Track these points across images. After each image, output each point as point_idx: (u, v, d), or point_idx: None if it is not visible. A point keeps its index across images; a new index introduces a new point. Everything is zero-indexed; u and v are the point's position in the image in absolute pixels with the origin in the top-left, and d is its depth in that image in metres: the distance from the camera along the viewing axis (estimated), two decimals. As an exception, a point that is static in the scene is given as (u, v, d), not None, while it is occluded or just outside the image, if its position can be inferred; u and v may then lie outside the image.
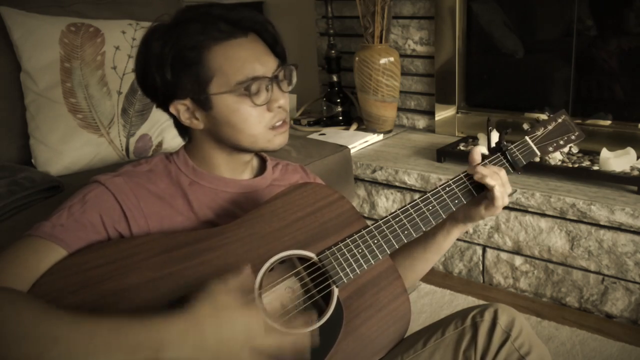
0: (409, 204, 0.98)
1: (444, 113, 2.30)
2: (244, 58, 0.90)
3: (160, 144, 1.69)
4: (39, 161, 1.57)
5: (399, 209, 0.97)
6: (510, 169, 1.06)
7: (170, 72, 0.89)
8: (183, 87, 0.90)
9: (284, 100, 0.94)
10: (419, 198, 0.99)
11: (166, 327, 0.72)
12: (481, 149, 1.07)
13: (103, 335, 0.71)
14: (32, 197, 1.36)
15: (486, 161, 1.05)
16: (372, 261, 0.93)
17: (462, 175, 1.02)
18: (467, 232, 1.90)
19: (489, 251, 1.88)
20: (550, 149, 1.10)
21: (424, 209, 0.98)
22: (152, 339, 0.71)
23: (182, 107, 0.92)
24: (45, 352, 0.69)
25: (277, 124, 0.94)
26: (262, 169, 1.05)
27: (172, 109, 0.93)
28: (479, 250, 1.91)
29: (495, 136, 1.08)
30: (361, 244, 0.93)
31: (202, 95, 0.90)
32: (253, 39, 0.92)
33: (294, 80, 0.97)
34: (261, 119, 0.92)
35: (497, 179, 0.99)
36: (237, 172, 0.99)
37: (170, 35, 0.89)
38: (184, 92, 0.91)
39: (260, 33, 0.94)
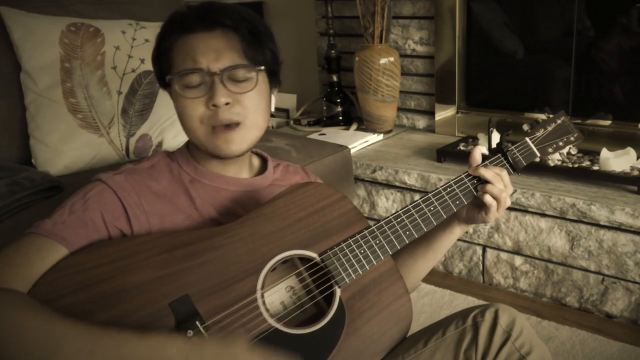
0: (410, 204, 0.98)
1: (444, 113, 2.30)
2: (190, 50, 0.90)
3: (160, 144, 1.69)
4: (39, 161, 1.57)
5: (400, 209, 0.97)
6: (510, 170, 1.06)
7: (156, 62, 0.97)
8: (163, 77, 0.95)
9: (224, 99, 0.88)
10: (420, 198, 0.99)
11: (168, 346, 0.72)
12: (481, 149, 1.07)
13: (104, 350, 0.71)
14: (32, 197, 1.35)
15: (487, 162, 1.05)
16: (374, 261, 0.93)
17: (462, 176, 1.03)
18: (467, 232, 1.90)
19: (489, 251, 1.88)
20: (550, 150, 1.11)
21: (425, 210, 0.98)
22: (152, 356, 0.72)
23: (169, 94, 0.97)
24: None
25: (216, 124, 0.90)
26: (262, 169, 1.05)
27: (169, 95, 0.98)
28: (479, 250, 1.91)
29: (496, 137, 1.08)
30: (363, 244, 0.93)
31: (167, 82, 0.94)
32: (216, 35, 0.91)
33: (252, 82, 0.92)
34: (196, 113, 0.90)
35: (499, 181, 0.99)
36: (228, 170, 0.98)
37: (159, 31, 0.96)
38: (165, 82, 0.96)
39: (232, 31, 0.92)
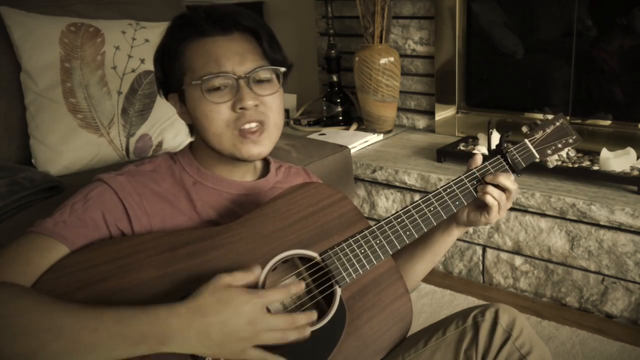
0: (410, 204, 0.98)
1: (444, 113, 2.30)
2: (212, 55, 0.90)
3: (160, 144, 1.69)
4: (39, 161, 1.57)
5: (400, 210, 0.97)
6: (510, 171, 1.06)
7: (160, 66, 0.95)
8: (171, 80, 0.95)
9: (252, 102, 0.90)
10: (420, 199, 1.00)
11: (170, 318, 0.73)
12: (481, 149, 1.07)
13: (107, 326, 0.72)
14: (32, 197, 1.35)
15: (486, 163, 1.05)
16: (375, 261, 0.93)
17: (462, 177, 1.03)
18: (467, 232, 1.90)
19: (489, 251, 1.88)
20: (549, 151, 1.11)
21: (425, 210, 0.98)
22: (156, 329, 0.73)
23: (174, 100, 0.97)
24: (49, 342, 0.71)
25: (245, 127, 0.91)
26: (265, 171, 1.05)
27: (170, 102, 0.98)
28: (479, 250, 1.91)
29: (495, 138, 1.08)
30: (364, 244, 0.93)
31: (180, 88, 0.93)
32: (235, 38, 0.92)
33: (273, 83, 0.94)
34: (222, 117, 0.90)
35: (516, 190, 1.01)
36: (235, 173, 0.99)
37: (164, 33, 0.95)
38: (172, 85, 0.95)
39: (250, 33, 0.93)
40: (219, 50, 0.90)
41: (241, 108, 0.90)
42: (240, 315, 0.76)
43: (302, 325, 0.81)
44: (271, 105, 0.93)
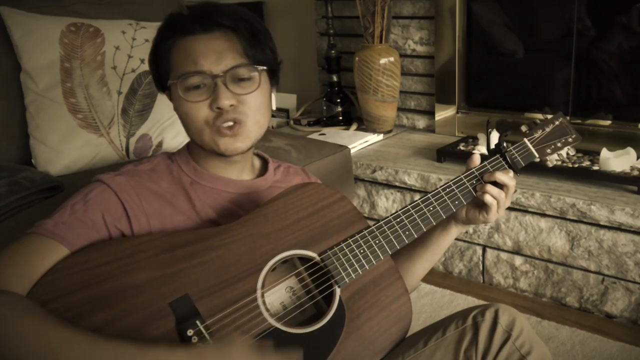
0: (409, 204, 0.98)
1: (444, 113, 2.30)
2: (190, 53, 0.90)
3: (160, 144, 1.69)
4: (39, 161, 1.57)
5: (400, 209, 0.97)
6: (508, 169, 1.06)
7: (153, 64, 0.96)
8: (162, 79, 0.95)
9: (228, 102, 0.89)
10: (419, 198, 1.00)
11: (166, 358, 0.72)
12: (481, 149, 1.07)
13: None
14: (32, 197, 1.35)
15: (485, 162, 1.05)
16: (374, 261, 0.93)
17: (461, 176, 1.03)
18: (467, 232, 1.90)
19: (489, 251, 1.88)
20: (549, 151, 1.11)
21: (425, 210, 0.98)
22: None
23: (168, 97, 0.97)
24: None
25: (222, 124, 0.91)
26: (263, 170, 1.05)
27: (167, 98, 0.98)
28: (479, 250, 1.91)
29: (495, 137, 1.08)
30: (363, 244, 0.93)
31: (167, 86, 0.94)
32: (215, 36, 0.91)
33: (254, 81, 0.92)
34: (201, 115, 0.91)
35: (513, 186, 1.01)
36: (229, 171, 0.99)
37: (156, 32, 0.96)
38: (163, 84, 0.96)
39: (232, 31, 0.92)
40: (198, 48, 0.90)
41: (217, 108, 0.90)
42: None
43: None
44: (251, 104, 0.92)
